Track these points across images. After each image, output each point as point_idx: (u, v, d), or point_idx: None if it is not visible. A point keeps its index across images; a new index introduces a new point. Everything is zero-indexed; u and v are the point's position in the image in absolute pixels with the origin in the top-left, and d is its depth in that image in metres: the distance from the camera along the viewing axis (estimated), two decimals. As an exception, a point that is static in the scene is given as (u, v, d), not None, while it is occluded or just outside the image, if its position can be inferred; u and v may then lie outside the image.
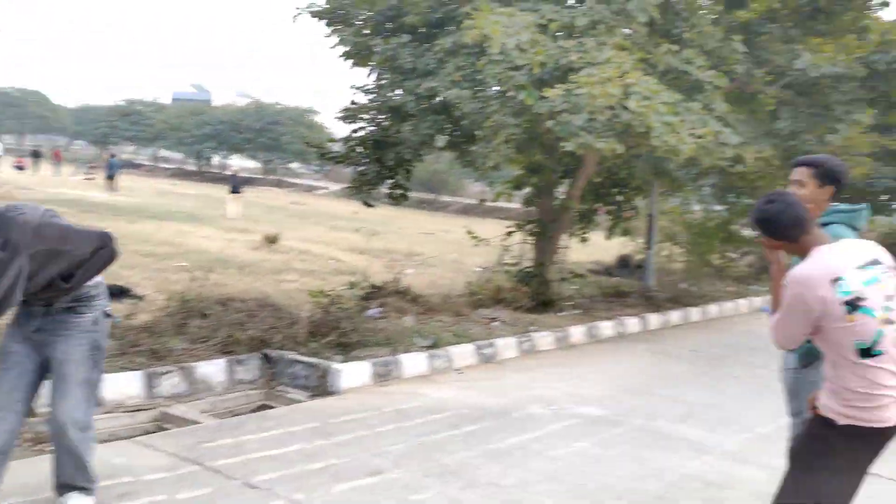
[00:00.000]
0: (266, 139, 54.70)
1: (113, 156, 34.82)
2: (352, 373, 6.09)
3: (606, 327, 9.24)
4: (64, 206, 21.02)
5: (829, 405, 2.69)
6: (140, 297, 8.40)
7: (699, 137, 7.33)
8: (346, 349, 6.59)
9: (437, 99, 8.77)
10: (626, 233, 12.42)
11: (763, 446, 5.17)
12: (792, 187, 3.50)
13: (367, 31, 9.77)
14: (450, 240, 22.06)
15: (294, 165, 61.91)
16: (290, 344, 6.46)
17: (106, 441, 4.59)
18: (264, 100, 60.44)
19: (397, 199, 10.31)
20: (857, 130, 9.42)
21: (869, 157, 11.02)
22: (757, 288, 14.55)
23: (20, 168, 37.28)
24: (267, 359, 6.30)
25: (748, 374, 7.67)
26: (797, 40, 9.45)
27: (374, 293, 9.18)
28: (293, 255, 15.88)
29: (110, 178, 30.68)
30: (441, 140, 10.08)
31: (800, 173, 3.46)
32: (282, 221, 24.72)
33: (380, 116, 9.85)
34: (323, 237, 20.89)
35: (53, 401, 3.34)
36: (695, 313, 11.15)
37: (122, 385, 5.36)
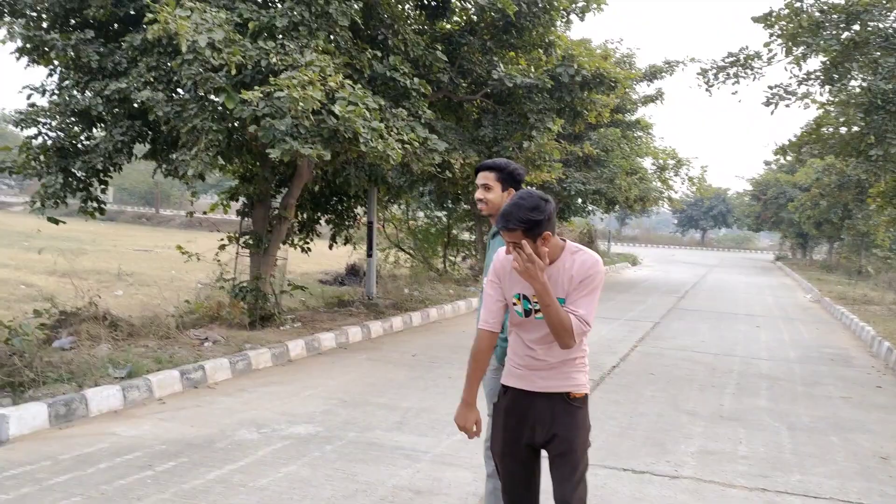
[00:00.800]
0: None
1: None
2: (22, 417, 5.18)
3: (328, 339, 9.02)
4: None
5: (581, 381, 2.97)
6: None
7: (406, 143, 7.38)
8: (19, 389, 5.62)
9: (134, 103, 7.92)
10: (347, 241, 12.34)
11: (471, 446, 5.25)
12: (479, 191, 3.52)
13: (44, 25, 8.58)
14: (168, 256, 20.55)
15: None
16: (-61, 391, 5.35)
17: None
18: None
19: (91, 214, 9.19)
20: (549, 138, 10.22)
21: (559, 163, 12.05)
22: (475, 289, 15.31)
23: None
24: None
25: (462, 375, 7.88)
26: (494, 52, 10.01)
27: (66, 320, 8.10)
28: (-29, 282, 13.72)
29: None
30: (139, 148, 9.22)
31: (485, 177, 3.49)
32: (-39, 244, 21.35)
33: (67, 121, 8.70)
34: (14, 259, 18.36)
35: None
36: (416, 318, 11.36)
37: None
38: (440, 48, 9.33)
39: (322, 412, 6.13)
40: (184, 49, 6.37)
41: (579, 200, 20.93)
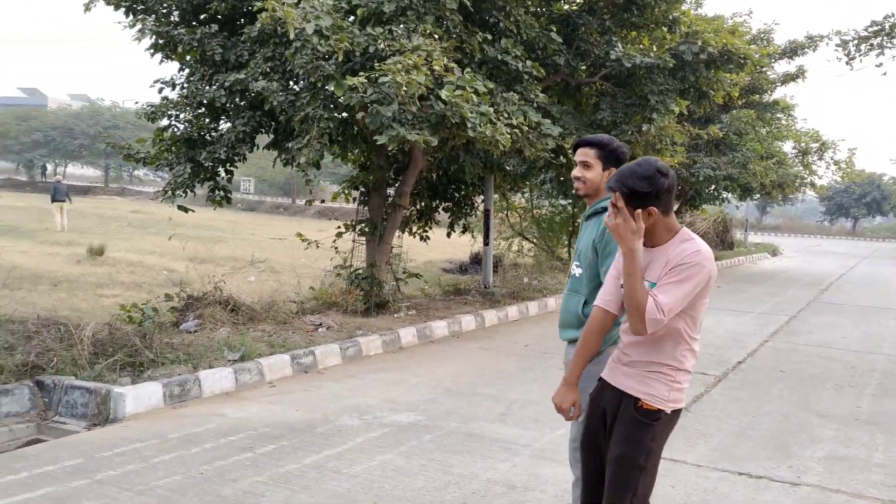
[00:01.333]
0: (104, 144, 51.25)
1: None
2: (139, 395, 5.42)
3: (440, 327, 8.97)
4: None
5: (659, 393, 2.58)
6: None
7: (515, 128, 7.17)
8: (139, 369, 5.91)
9: (252, 93, 8.18)
10: (466, 229, 12.26)
11: (575, 442, 5.01)
12: (577, 169, 3.27)
13: (173, 20, 9.01)
14: (300, 245, 21.36)
15: (141, 172, 58.54)
16: (69, 367, 5.70)
17: None
18: (103, 101, 56.78)
19: (217, 202, 9.58)
20: (671, 120, 9.67)
21: (682, 146, 11.39)
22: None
23: None
24: (40, 385, 5.52)
25: (575, 366, 7.59)
26: (613, 32, 9.56)
27: (193, 304, 8.48)
28: (121, 267, 14.75)
29: None
30: (262, 137, 9.52)
31: (585, 154, 3.24)
32: (116, 232, 23.08)
33: (195, 113, 9.12)
34: (160, 247, 19.61)
35: None
36: (533, 307, 11.13)
37: None
38: (556, 29, 9.00)
39: (426, 401, 6.05)
40: (291, 36, 6.46)
41: (711, 187, 19.83)
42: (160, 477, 4.19)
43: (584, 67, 10.14)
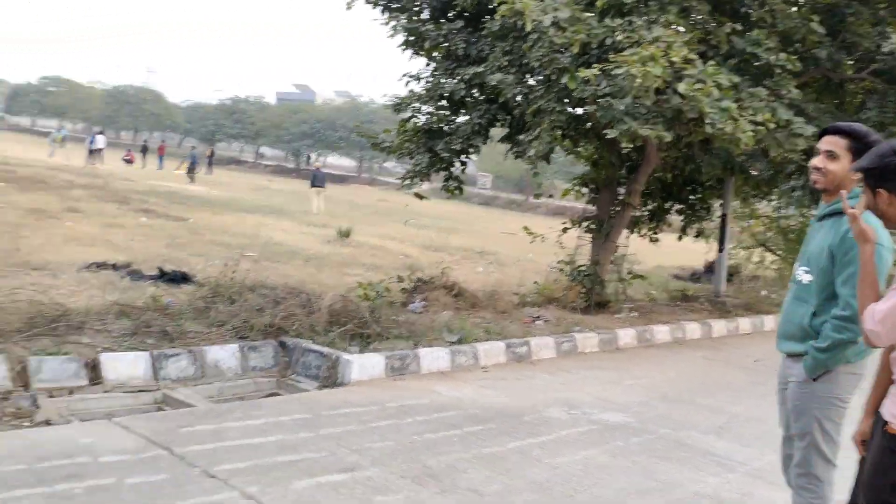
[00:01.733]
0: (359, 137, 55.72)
1: (193, 148, 36.62)
2: (364, 364, 5.83)
3: (662, 332, 8.62)
4: (159, 198, 21.91)
5: None
6: (200, 284, 8.38)
7: (760, 125, 6.67)
8: (366, 340, 6.34)
9: (488, 87, 8.42)
10: (699, 234, 11.65)
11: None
12: (819, 158, 2.93)
13: (423, 17, 9.52)
14: (529, 240, 21.65)
15: (389, 164, 62.79)
16: (307, 332, 6.27)
17: (86, 420, 4.53)
18: (362, 97, 61.55)
19: (451, 191, 9.99)
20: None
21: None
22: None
23: (128, 161, 39.22)
24: (282, 346, 6.13)
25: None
26: (888, 23, 8.52)
27: (421, 287, 8.93)
28: (364, 249, 15.92)
29: (191, 170, 32.07)
30: (496, 130, 9.75)
31: (832, 143, 2.89)
32: (362, 218, 24.92)
33: (436, 105, 9.59)
34: (400, 233, 20.88)
35: None
36: (769, 321, 10.30)
37: (127, 365, 5.28)
38: (818, 20, 8.22)
39: (639, 403, 5.86)
40: (528, 28, 6.54)
41: None
42: (375, 440, 4.47)
43: (849, 62, 9.15)
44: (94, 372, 5.12)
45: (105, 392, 5.05)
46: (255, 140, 68.25)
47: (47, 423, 4.35)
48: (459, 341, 6.72)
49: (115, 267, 9.80)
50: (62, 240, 12.17)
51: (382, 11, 9.55)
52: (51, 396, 4.75)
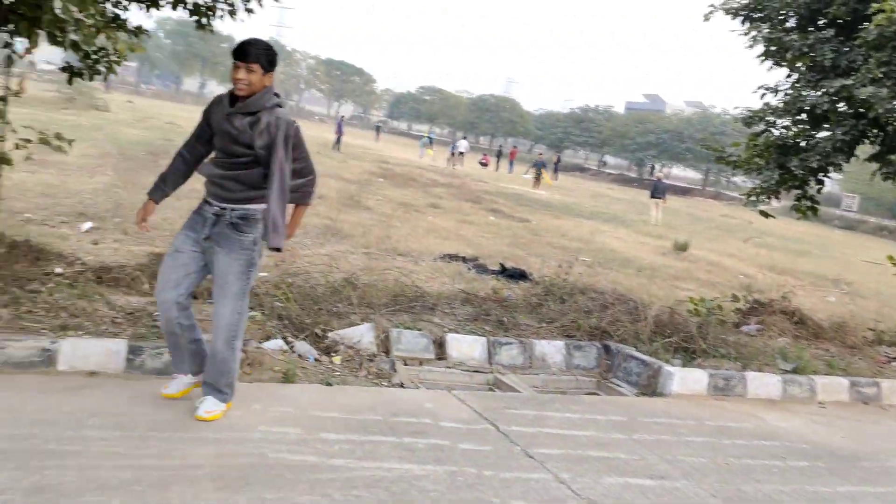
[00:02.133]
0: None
1: (541, 154, 38.22)
2: (686, 378, 5.79)
3: None
4: (507, 199, 23.54)
5: None
6: (535, 282, 8.99)
7: None
8: (690, 355, 6.27)
9: (856, 100, 7.68)
10: None
11: None
12: None
13: (787, 27, 8.98)
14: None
15: (738, 178, 59.38)
16: (631, 339, 6.39)
17: (430, 388, 5.21)
18: (714, 108, 59.01)
19: (803, 212, 9.29)
20: None
21: None
22: None
23: (484, 164, 42.63)
24: (606, 349, 6.34)
25: None
26: None
27: (757, 309, 8.49)
28: (700, 264, 15.45)
29: (537, 176, 33.58)
30: (863, 148, 8.85)
31: None
32: (702, 232, 24.06)
33: (793, 119, 9.00)
34: (741, 251, 19.80)
35: (215, 307, 3.79)
36: None
37: (467, 347, 5.93)
38: None
39: None
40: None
41: None
42: (687, 454, 4.47)
43: None
44: (440, 349, 5.85)
45: (447, 367, 5.74)
46: (600, 148, 69.39)
47: (401, 385, 5.10)
48: (794, 371, 6.30)
49: (464, 259, 10.88)
50: (424, 231, 13.79)
51: (743, 22, 9.21)
52: (405, 364, 5.54)
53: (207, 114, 3.85)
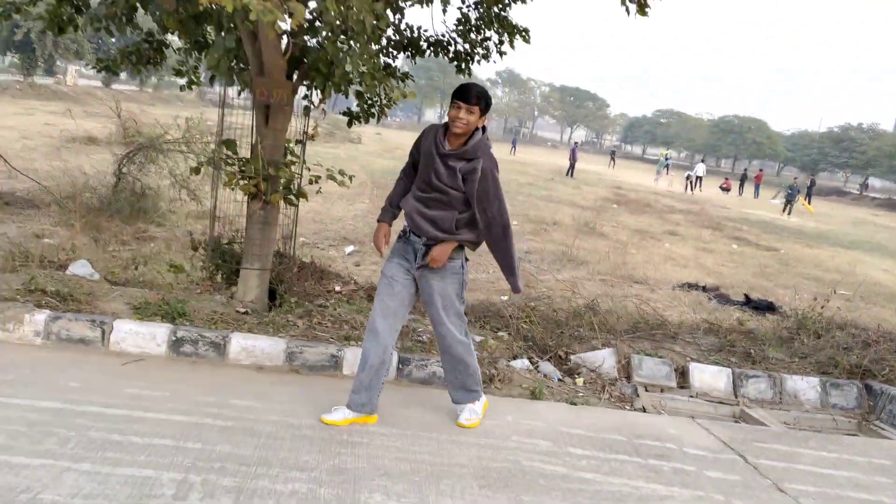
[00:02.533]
0: None
1: (795, 179, 35.50)
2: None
3: None
4: (752, 226, 22.36)
5: None
6: (786, 315, 8.59)
7: None
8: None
9: None
10: None
11: None
12: None
13: None
14: None
15: None
16: (898, 380, 5.92)
17: (673, 415, 5.25)
18: None
19: None
20: None
21: None
22: None
23: (725, 189, 40.56)
24: (868, 389, 5.93)
25: None
26: None
27: None
28: None
29: (788, 202, 31.28)
30: None
31: None
32: None
33: None
34: None
35: (439, 327, 4.03)
36: None
37: (710, 377, 5.87)
38: None
39: None
40: None
41: None
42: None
43: None
44: (681, 377, 5.86)
45: (690, 397, 5.73)
46: (864, 170, 62.91)
47: (643, 410, 5.21)
48: None
49: (704, 289, 10.62)
50: (660, 259, 13.61)
51: None
52: (646, 390, 5.63)
53: (418, 143, 3.99)
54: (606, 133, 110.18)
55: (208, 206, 10.42)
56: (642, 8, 4.66)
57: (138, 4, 5.81)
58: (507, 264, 4.03)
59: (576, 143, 44.95)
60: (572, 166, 35.48)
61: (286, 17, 4.38)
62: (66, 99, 39.31)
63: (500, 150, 56.50)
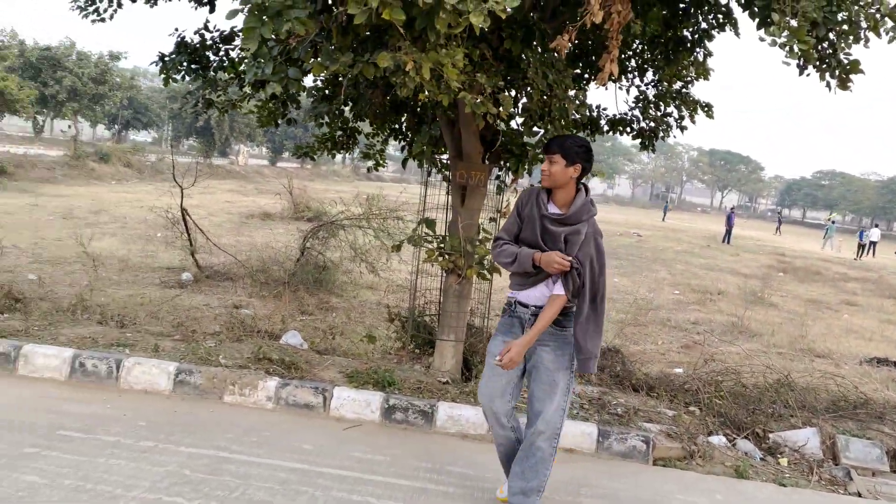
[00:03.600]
0: None
1: None
2: None
3: None
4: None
5: None
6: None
7: None
8: None
9: None
10: None
11: None
12: None
13: None
14: None
15: None
16: None
17: (891, 501, 4.95)
18: None
19: None
20: None
21: None
22: None
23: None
24: None
25: None
26: None
27: None
28: None
29: None
30: None
31: None
32: None
33: None
34: None
35: (535, 405, 3.57)
36: None
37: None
38: None
39: None
40: None
41: None
42: None
43: None
44: (894, 461, 5.51)
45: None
46: None
47: (858, 495, 4.95)
48: None
49: (895, 364, 9.91)
50: (841, 331, 12.83)
51: None
52: (857, 473, 5.34)
53: (519, 204, 3.71)
54: (761, 196, 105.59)
55: (384, 278, 11.06)
56: (844, 83, 4.64)
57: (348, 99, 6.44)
58: (595, 341, 3.57)
59: (731, 208, 43.43)
60: (729, 232, 34.25)
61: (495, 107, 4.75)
62: (238, 177, 42.92)
63: (650, 217, 55.49)
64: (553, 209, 3.58)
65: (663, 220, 50.78)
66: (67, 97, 43.32)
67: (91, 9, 6.00)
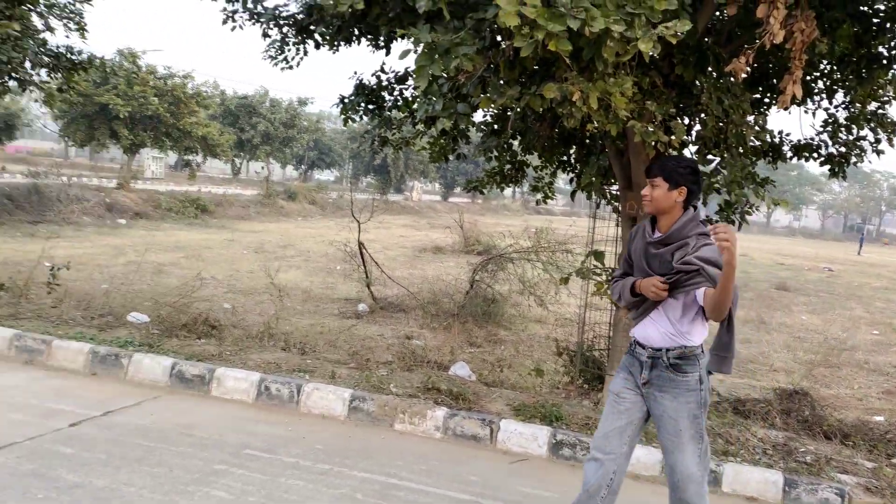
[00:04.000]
0: None
1: None
2: None
3: None
4: None
5: None
6: None
7: None
8: None
9: None
10: None
11: None
12: None
13: None
14: None
15: None
16: None
17: None
18: None
19: None
20: None
21: None
22: None
23: None
24: None
25: None
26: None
27: None
28: None
29: None
30: None
31: None
32: None
33: None
34: None
35: (669, 456, 3.34)
36: None
37: None
38: None
39: None
40: None
41: None
42: None
43: None
44: None
45: None
46: None
47: None
48: None
49: None
50: None
51: None
52: None
53: (629, 239, 3.57)
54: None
55: (552, 311, 10.97)
56: None
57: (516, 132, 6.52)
58: (731, 353, 3.33)
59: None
60: (939, 267, 30.78)
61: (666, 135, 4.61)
62: (412, 212, 44.59)
63: (844, 250, 51.09)
64: (657, 235, 3.37)
65: (859, 253, 46.59)
66: (261, 141, 47.27)
67: (280, 57, 6.52)
